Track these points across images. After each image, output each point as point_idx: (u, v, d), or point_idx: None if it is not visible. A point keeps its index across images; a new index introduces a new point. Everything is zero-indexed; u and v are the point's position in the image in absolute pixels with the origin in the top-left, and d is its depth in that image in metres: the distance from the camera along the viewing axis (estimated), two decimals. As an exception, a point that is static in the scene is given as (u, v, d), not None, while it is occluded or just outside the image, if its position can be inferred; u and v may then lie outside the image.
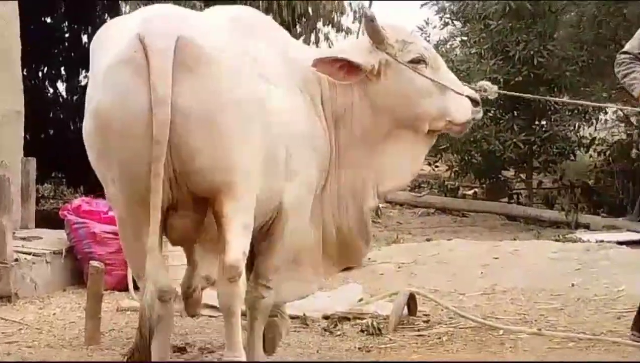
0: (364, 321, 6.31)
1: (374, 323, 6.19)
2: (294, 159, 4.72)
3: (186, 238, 4.61)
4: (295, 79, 4.88)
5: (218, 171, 4.23)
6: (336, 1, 12.80)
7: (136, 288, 7.82)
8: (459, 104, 5.05)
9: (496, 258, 8.20)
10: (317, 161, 4.90)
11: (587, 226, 13.46)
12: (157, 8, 4.62)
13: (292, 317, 6.23)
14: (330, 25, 12.67)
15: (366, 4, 13.58)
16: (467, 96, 5.10)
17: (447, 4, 16.00)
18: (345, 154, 5.05)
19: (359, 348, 5.76)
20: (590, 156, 16.31)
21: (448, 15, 16.17)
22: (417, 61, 4.93)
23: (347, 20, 13.29)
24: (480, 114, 5.30)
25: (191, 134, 4.10)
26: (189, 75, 4.08)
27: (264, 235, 4.84)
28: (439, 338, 6.04)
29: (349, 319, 6.47)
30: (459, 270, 8.36)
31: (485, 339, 6.00)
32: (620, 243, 10.39)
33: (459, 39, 16.99)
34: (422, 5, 16.31)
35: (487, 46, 14.47)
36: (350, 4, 13.17)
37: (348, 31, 12.68)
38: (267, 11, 11.50)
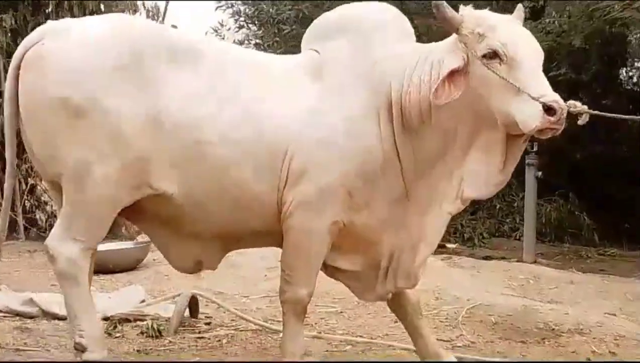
0: (145, 323, 6.25)
1: (154, 325, 6.13)
2: (301, 159, 4.69)
3: None
4: (361, 83, 4.80)
5: (47, 165, 4.71)
6: (129, 0, 12.67)
7: None
8: (527, 109, 4.40)
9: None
10: (347, 166, 4.71)
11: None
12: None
13: (71, 318, 6.11)
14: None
15: (160, 3, 13.49)
16: (543, 103, 4.37)
17: (242, 7, 16.06)
18: (423, 157, 4.79)
19: (138, 351, 5.70)
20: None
21: (243, 19, 16.24)
22: (491, 56, 4.52)
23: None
24: (560, 125, 4.41)
25: (26, 127, 4.67)
26: (27, 74, 4.62)
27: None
28: (219, 340, 6.06)
29: (129, 321, 6.39)
30: (246, 272, 8.41)
31: (265, 342, 6.05)
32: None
33: (253, 41, 17.08)
34: (216, 8, 16.31)
35: (280, 50, 14.56)
36: (144, 3, 13.07)
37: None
38: (57, 8, 11.26)
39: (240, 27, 16.85)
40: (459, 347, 6.04)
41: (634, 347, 6.07)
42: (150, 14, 12.82)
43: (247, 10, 15.93)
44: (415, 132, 4.76)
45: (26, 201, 12.18)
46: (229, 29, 16.54)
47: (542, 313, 6.69)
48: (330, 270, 5.09)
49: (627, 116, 5.00)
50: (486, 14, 4.68)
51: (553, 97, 4.39)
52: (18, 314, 6.56)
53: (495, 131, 4.64)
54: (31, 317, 6.47)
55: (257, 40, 16.52)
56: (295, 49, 15.10)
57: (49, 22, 4.85)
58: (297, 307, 4.97)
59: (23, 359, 5.44)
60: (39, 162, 4.77)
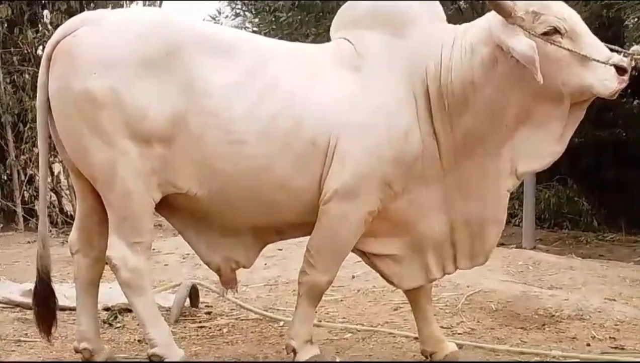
0: (145, 313, 6.23)
1: (155, 315, 6.12)
2: (342, 146, 4.66)
3: None
4: (397, 71, 4.76)
5: (76, 161, 4.66)
6: (126, -11, 12.65)
7: None
8: (601, 74, 4.52)
9: (280, 250, 8.26)
10: (385, 152, 4.69)
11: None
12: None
13: (71, 309, 6.12)
14: (120, 12, 12.48)
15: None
16: (613, 64, 4.52)
17: (238, -5, 16.02)
18: (465, 137, 4.76)
19: (139, 341, 5.70)
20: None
21: (239, 7, 16.18)
22: (551, 33, 4.53)
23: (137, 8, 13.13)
24: (626, 83, 4.55)
25: (55, 122, 4.63)
26: (55, 65, 4.57)
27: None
28: (220, 330, 6.07)
29: (130, 311, 6.37)
30: (245, 261, 8.38)
31: (266, 331, 6.06)
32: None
33: (250, 29, 17.02)
34: (213, -4, 16.27)
35: (277, 37, 14.53)
36: (141, -8, 13.05)
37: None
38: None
39: (237, 14, 16.80)
40: (459, 333, 6.06)
41: (634, 332, 6.08)
42: (147, 3, 12.79)
43: (243, -2, 15.89)
44: (457, 113, 4.74)
45: (25, 192, 12.16)
46: (226, 16, 16.50)
47: (542, 299, 6.70)
48: (369, 257, 5.09)
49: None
50: None
51: (617, 58, 4.53)
52: (18, 305, 6.56)
53: (554, 105, 4.65)
54: (31, 308, 6.45)
55: (254, 28, 16.47)
56: (291, 36, 15.18)
57: (85, 12, 4.84)
58: (314, 291, 4.97)
59: (24, 350, 5.45)
60: (71, 163, 4.73)
